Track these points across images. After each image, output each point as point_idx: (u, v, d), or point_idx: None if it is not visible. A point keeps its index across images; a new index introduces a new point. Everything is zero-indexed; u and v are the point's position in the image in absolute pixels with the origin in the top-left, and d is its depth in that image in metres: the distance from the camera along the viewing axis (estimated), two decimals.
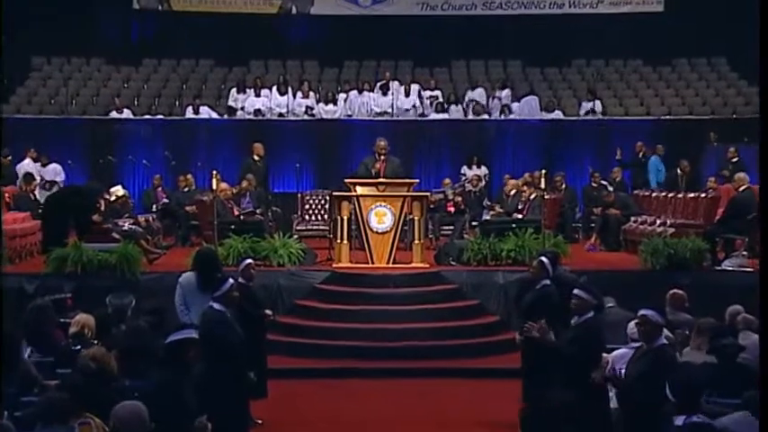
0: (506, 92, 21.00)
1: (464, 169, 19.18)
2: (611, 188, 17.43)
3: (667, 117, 20.62)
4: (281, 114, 20.34)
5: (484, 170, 19.23)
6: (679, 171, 17.55)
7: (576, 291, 7.39)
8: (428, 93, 21.03)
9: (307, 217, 16.75)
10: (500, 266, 12.82)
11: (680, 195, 15.50)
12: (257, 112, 20.28)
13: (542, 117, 20.51)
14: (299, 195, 17.12)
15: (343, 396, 10.24)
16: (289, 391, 9.86)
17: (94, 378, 6.29)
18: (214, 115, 20.45)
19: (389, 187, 13.10)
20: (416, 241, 13.00)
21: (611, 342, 7.91)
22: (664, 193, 16.20)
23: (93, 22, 23.02)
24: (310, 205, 16.89)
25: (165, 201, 16.97)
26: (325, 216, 16.41)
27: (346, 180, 13.59)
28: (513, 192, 15.71)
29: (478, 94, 20.93)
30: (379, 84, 20.96)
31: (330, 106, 20.43)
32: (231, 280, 7.57)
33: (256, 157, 17.16)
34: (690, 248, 12.59)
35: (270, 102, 20.59)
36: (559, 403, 7.14)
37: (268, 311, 9.21)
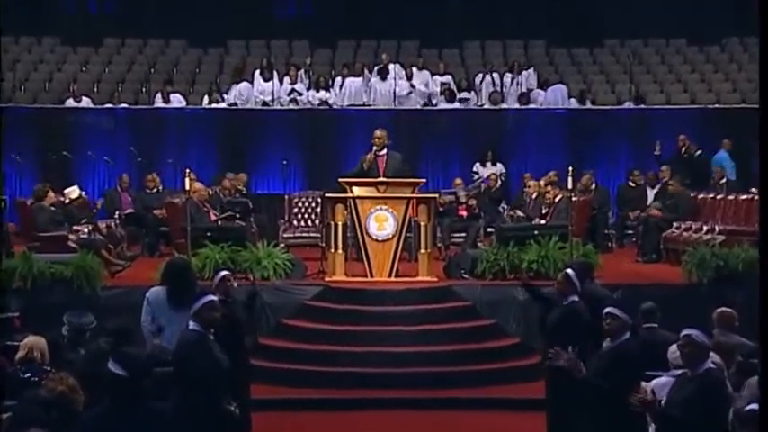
0: (527, 76, 21.02)
1: (476, 167, 19.19)
2: (652, 189, 17.43)
3: (716, 106, 20.62)
4: (264, 103, 20.35)
5: (500, 168, 19.23)
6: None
7: (608, 309, 7.39)
8: (437, 78, 21.06)
9: (295, 222, 16.75)
10: (520, 280, 12.82)
11: (730, 197, 15.46)
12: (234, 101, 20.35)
13: (568, 106, 20.52)
14: (286, 197, 17.12)
15: (338, 431, 10.24)
16: (275, 426, 9.87)
17: (54, 412, 6.25)
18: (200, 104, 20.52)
19: (391, 188, 13.11)
20: (423, 251, 13.00)
21: (652, 368, 7.91)
22: (711, 195, 16.18)
23: None
24: (299, 209, 16.89)
25: (130, 211, 16.97)
26: (317, 221, 16.42)
27: (341, 179, 13.61)
28: (534, 194, 15.72)
29: (491, 79, 20.95)
30: (377, 67, 20.98)
31: (322, 93, 20.45)
32: (211, 296, 7.59)
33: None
34: (742, 259, 12.59)
35: (252, 89, 20.62)
36: None
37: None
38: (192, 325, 7.37)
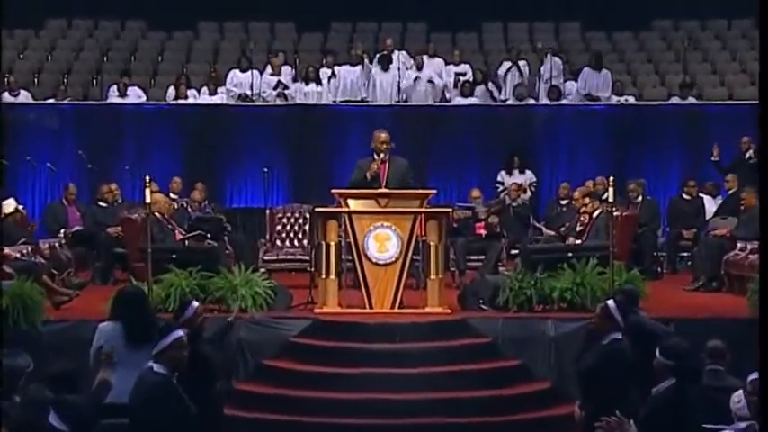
0: (558, 66, 21.04)
1: (501, 175, 19.20)
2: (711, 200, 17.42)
3: None
4: (242, 97, 20.36)
5: (529, 176, 19.25)
6: None
7: (658, 352, 7.37)
8: (451, 68, 21.06)
9: (278, 242, 16.76)
10: (551, 312, 12.82)
11: None
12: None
13: (610, 102, 20.54)
14: (268, 212, 17.12)
15: None
16: None
17: None
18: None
19: (395, 200, 13.10)
20: (432, 277, 12.99)
21: (713, 420, 7.88)
22: None
23: None
24: (283, 226, 16.90)
25: (78, 229, 16.96)
26: (305, 241, 16.42)
27: (334, 191, 13.62)
28: (581, 208, 15.59)
29: (516, 70, 20.98)
30: (378, 55, 20.99)
31: (311, 86, 20.47)
32: (179, 332, 7.59)
33: (173, 195, 17.15)
34: None
35: (226, 81, 20.64)
36: None
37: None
38: (155, 366, 7.36)
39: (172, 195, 16.85)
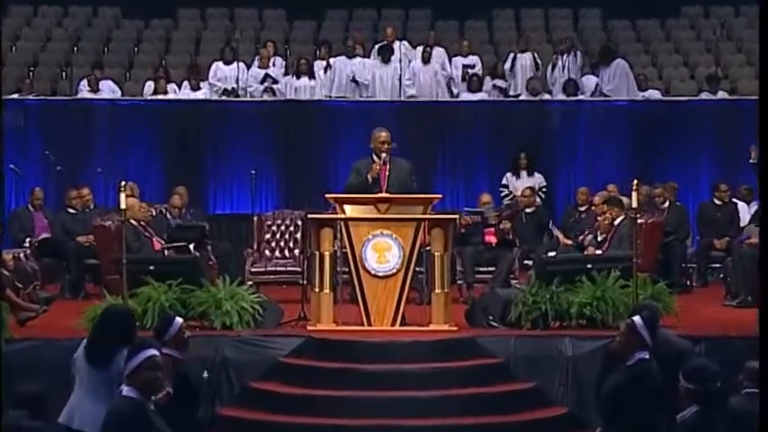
0: (576, 58, 21.05)
1: (507, 178, 19.16)
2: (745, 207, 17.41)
3: None
4: (227, 92, 20.36)
5: (538, 179, 19.20)
6: None
7: (681, 375, 7.37)
8: (458, 60, 21.06)
9: (267, 253, 16.76)
10: (568, 330, 12.83)
11: None
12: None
13: (634, 98, 20.53)
14: (256, 219, 17.12)
15: None
16: None
17: None
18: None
19: (396, 206, 13.09)
20: (437, 290, 12.98)
21: None
22: None
23: None
24: (273, 234, 16.90)
25: (45, 237, 16.95)
26: (297, 251, 16.43)
27: (329, 195, 13.62)
28: (612, 218, 15.57)
29: (529, 62, 21.00)
30: (377, 45, 21.00)
31: (304, 80, 20.48)
32: (152, 350, 7.56)
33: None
34: None
35: (209, 74, 20.64)
36: None
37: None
38: (125, 390, 7.34)
39: None
